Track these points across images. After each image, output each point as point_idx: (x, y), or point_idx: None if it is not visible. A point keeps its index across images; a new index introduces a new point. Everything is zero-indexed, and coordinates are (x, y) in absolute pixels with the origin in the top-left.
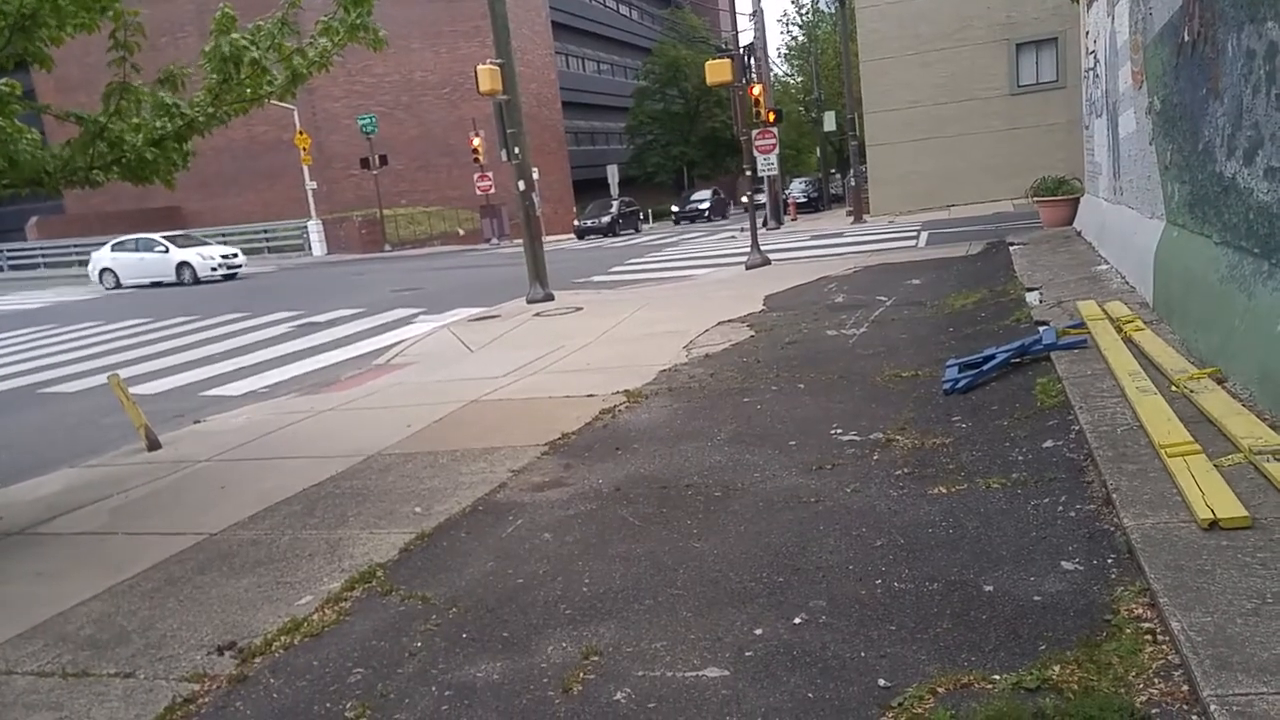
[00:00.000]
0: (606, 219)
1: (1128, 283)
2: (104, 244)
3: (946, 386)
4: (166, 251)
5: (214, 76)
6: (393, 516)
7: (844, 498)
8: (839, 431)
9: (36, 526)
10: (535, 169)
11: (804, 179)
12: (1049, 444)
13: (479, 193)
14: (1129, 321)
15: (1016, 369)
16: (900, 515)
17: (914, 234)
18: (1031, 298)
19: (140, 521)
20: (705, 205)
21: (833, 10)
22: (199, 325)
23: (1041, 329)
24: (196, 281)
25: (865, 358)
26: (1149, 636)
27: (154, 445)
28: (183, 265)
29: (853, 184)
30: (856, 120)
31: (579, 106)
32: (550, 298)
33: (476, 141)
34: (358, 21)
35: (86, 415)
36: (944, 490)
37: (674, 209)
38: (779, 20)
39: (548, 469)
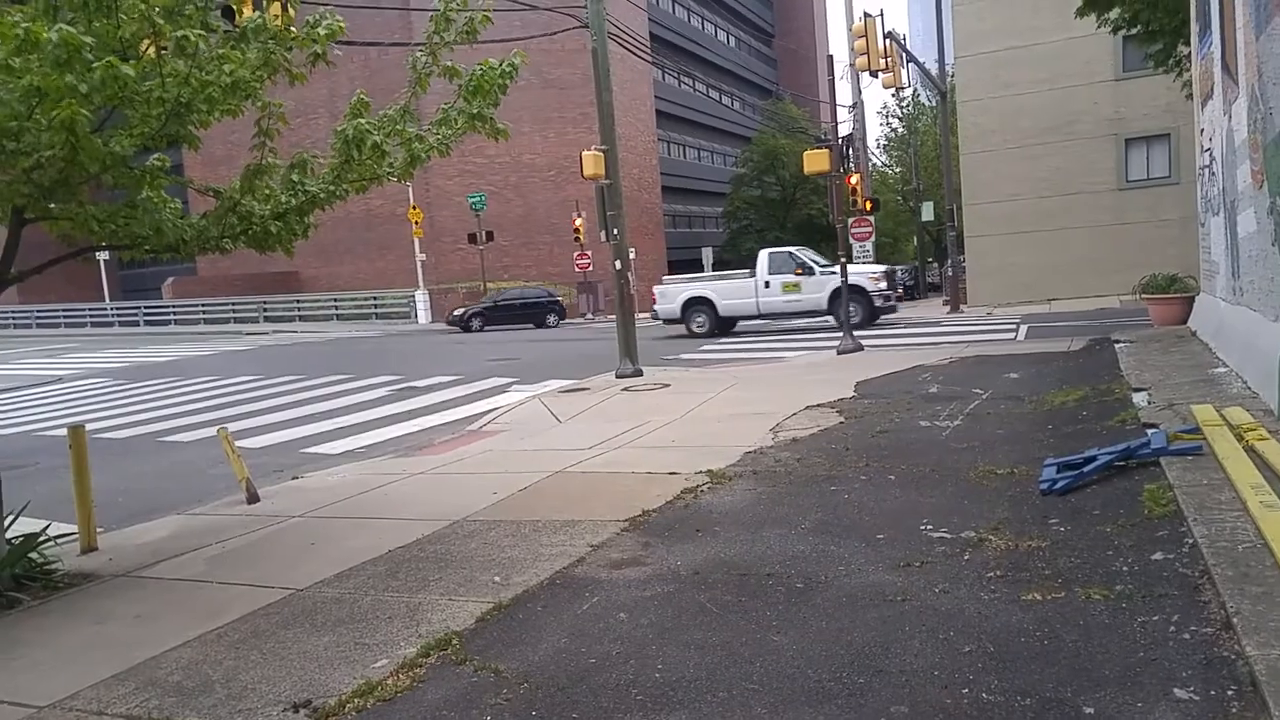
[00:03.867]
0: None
1: (1249, 388)
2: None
3: (1044, 487)
4: None
5: (337, 158)
6: (472, 584)
7: (932, 598)
8: (929, 527)
9: (141, 570)
10: (632, 249)
11: (900, 267)
12: (1158, 556)
13: (577, 270)
14: (1251, 430)
15: (1121, 473)
16: (991, 620)
17: (1013, 327)
18: (1139, 398)
19: (234, 572)
20: None
21: (934, 104)
22: (305, 384)
23: (1150, 432)
24: None
25: (959, 451)
26: None
27: (253, 498)
28: None
29: (950, 274)
30: (955, 211)
31: (678, 191)
32: (639, 373)
33: (578, 222)
34: (476, 112)
35: (196, 464)
36: (1039, 597)
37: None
38: (879, 112)
39: (627, 546)
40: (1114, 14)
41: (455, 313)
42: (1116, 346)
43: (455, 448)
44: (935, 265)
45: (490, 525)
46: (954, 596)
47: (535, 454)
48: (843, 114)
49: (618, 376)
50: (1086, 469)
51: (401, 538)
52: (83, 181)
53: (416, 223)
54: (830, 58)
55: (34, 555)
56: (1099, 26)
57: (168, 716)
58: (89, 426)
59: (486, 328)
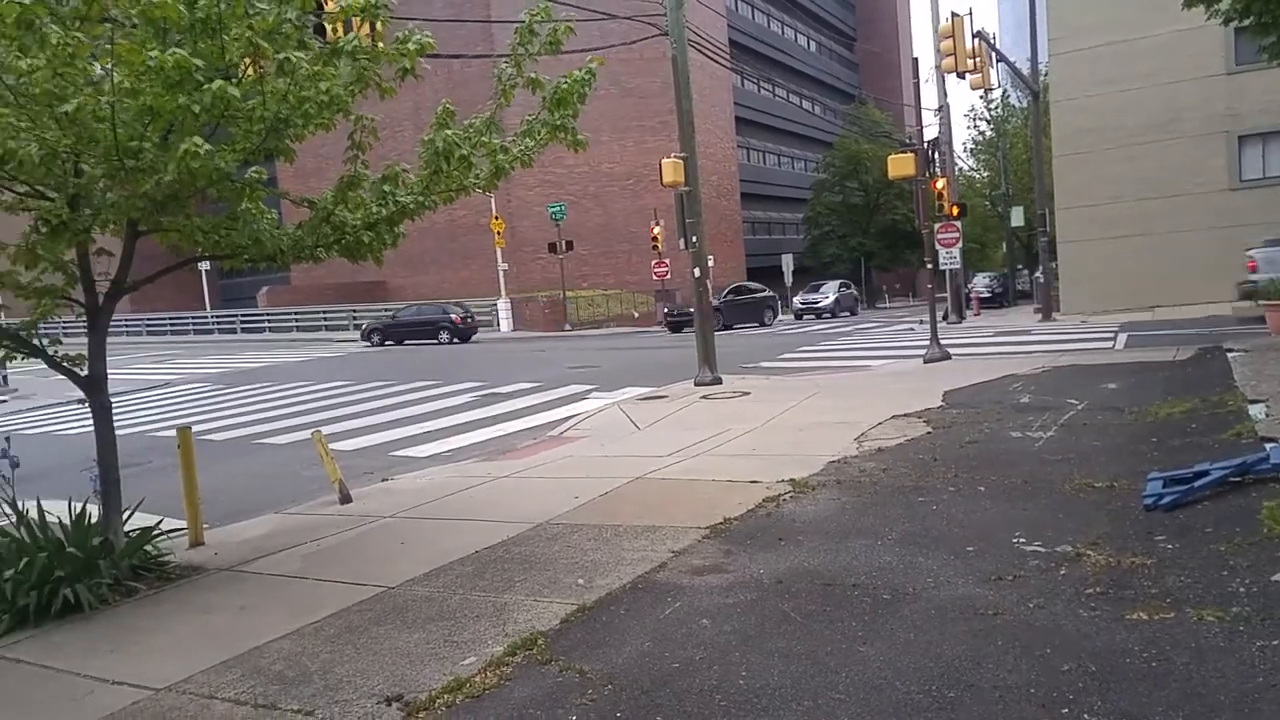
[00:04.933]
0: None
1: None
2: None
3: (1148, 502)
4: None
5: (426, 170)
6: (556, 586)
7: (1026, 613)
8: (1021, 540)
9: (243, 565)
10: (711, 257)
11: (988, 274)
12: (1279, 578)
13: (655, 278)
14: None
15: (1236, 489)
16: (1091, 639)
17: (1110, 335)
18: (1256, 411)
19: (328, 569)
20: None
21: (1024, 104)
22: (393, 390)
23: (1269, 446)
24: None
25: (1053, 463)
26: None
27: (346, 499)
28: None
29: (1041, 280)
30: (1047, 215)
31: (757, 197)
32: (718, 381)
33: (656, 230)
34: (559, 123)
35: (290, 466)
36: (1144, 616)
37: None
38: (965, 115)
39: (708, 553)
40: (1224, 5)
41: (364, 326)
42: (1229, 356)
43: (537, 453)
44: (1025, 272)
45: (572, 529)
46: (1050, 612)
47: (615, 460)
48: (928, 117)
49: (696, 384)
50: (1197, 484)
51: (487, 539)
52: (191, 195)
53: (499, 233)
54: (915, 60)
55: (149, 548)
56: (1208, 19)
57: (271, 703)
58: (193, 429)
59: (385, 343)
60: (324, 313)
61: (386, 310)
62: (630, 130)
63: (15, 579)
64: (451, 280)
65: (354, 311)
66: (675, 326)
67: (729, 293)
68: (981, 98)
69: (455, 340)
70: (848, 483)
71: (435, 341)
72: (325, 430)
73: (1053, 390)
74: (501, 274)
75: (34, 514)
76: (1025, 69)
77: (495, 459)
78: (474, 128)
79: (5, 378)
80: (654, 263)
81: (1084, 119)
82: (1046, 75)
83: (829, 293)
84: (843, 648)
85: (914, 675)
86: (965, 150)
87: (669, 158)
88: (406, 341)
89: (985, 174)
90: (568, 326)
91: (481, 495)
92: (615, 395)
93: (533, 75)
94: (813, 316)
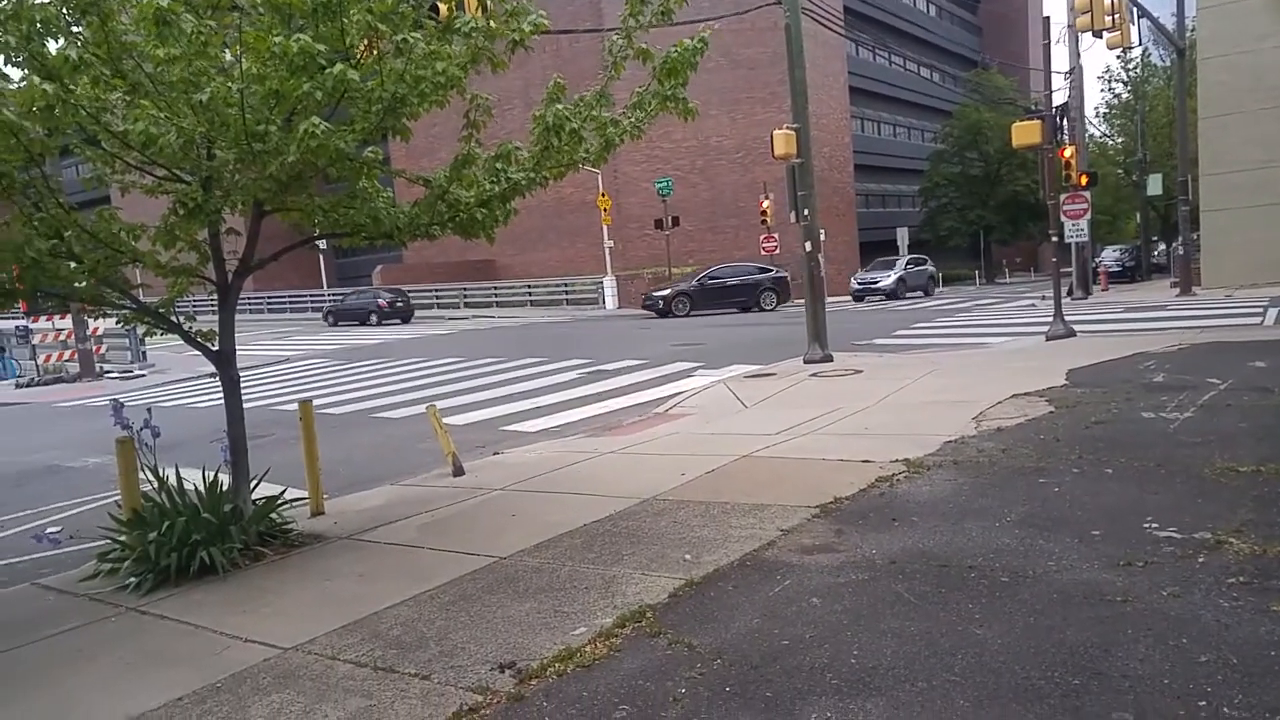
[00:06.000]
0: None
1: None
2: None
3: None
4: None
5: (537, 146)
6: (664, 560)
7: (1158, 601)
8: (1154, 526)
9: (361, 533)
10: (822, 230)
11: (1118, 246)
12: None
13: (763, 253)
14: None
15: None
16: (1233, 631)
17: (1259, 310)
18: None
19: (442, 539)
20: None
21: (1167, 63)
22: (503, 366)
23: None
24: None
25: (1190, 446)
26: None
27: (458, 471)
28: None
29: (1181, 252)
30: (1190, 183)
31: (871, 169)
32: (829, 359)
33: (766, 204)
34: (669, 93)
35: (405, 439)
36: None
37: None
38: (1099, 77)
39: (818, 532)
40: None
41: (324, 309)
42: None
43: (643, 429)
44: (1161, 244)
45: (679, 505)
46: (1186, 601)
47: (721, 438)
48: (1056, 81)
49: (806, 362)
50: None
51: (595, 513)
52: (313, 176)
53: (605, 209)
54: (1046, 19)
55: (274, 516)
56: None
57: (390, 666)
58: (313, 403)
59: (338, 323)
60: (435, 291)
61: (337, 295)
62: (740, 102)
63: (158, 541)
64: (558, 258)
65: (464, 290)
66: (661, 312)
67: (704, 276)
68: (1119, 57)
69: (384, 322)
70: (965, 463)
71: (363, 323)
72: (439, 405)
73: (1191, 369)
74: (607, 251)
75: (172, 481)
76: (1170, 24)
77: (602, 435)
78: (584, 102)
79: (144, 354)
80: (762, 237)
81: (1235, 77)
82: (1194, 31)
83: (893, 271)
84: (958, 630)
85: (1034, 660)
86: (1097, 115)
87: (780, 129)
88: (344, 322)
89: (1119, 140)
90: None
91: (588, 470)
92: (721, 373)
93: (643, 46)
94: (879, 298)
